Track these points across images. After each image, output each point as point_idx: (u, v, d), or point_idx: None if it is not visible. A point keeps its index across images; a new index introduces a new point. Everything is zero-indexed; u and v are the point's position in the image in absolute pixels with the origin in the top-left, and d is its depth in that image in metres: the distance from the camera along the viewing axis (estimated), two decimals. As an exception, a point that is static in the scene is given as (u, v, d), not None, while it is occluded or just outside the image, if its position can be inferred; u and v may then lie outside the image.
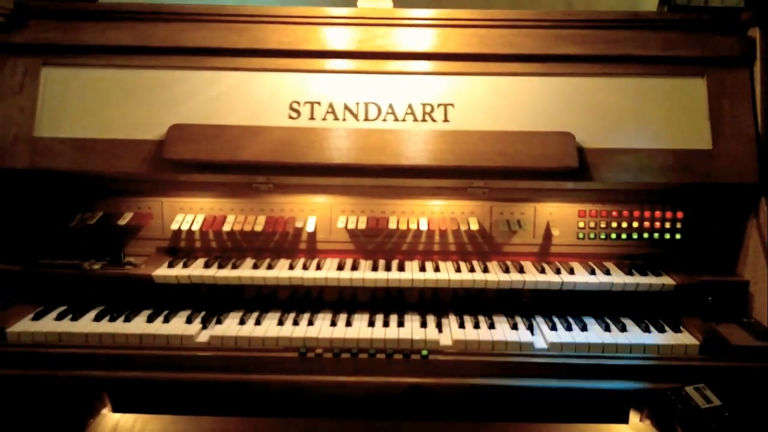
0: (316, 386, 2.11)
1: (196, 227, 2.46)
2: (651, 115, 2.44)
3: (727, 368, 2.09)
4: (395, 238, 2.55)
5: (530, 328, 2.24)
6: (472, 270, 2.38)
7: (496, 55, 2.47)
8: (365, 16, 2.49)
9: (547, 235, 2.53)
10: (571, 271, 2.37)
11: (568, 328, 2.23)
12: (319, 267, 2.38)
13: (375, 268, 2.39)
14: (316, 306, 2.38)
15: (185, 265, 2.37)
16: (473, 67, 2.48)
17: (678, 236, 2.51)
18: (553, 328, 2.24)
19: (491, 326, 2.24)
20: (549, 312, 2.35)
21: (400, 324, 2.25)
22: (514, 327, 2.24)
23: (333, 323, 2.25)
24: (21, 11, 2.45)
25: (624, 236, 2.52)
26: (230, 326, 2.22)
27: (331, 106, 2.46)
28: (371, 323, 2.25)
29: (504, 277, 2.32)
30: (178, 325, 2.22)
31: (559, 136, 2.37)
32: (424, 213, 2.54)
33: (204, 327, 2.22)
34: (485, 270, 2.37)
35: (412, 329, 2.21)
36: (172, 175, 2.42)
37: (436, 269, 2.38)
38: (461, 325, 2.25)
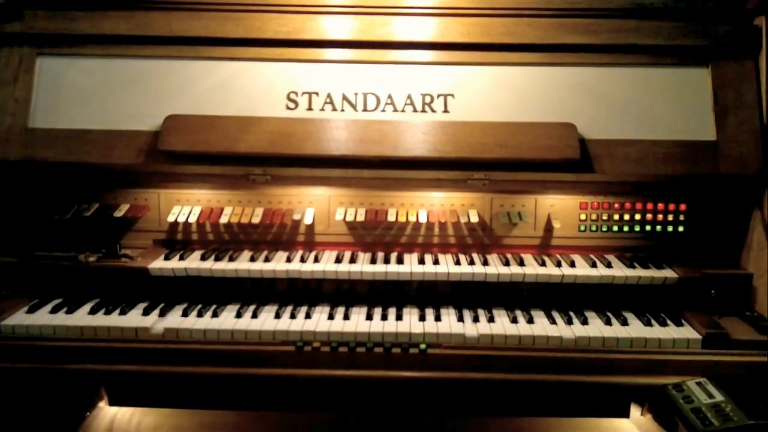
0: (313, 380, 2.09)
1: (193, 219, 2.44)
2: (654, 105, 2.41)
3: (729, 362, 2.07)
4: (394, 230, 2.52)
5: (530, 321, 2.21)
6: (471, 263, 2.35)
7: (497, 44, 2.44)
8: (364, 4, 2.46)
9: (548, 227, 2.50)
10: (572, 264, 2.35)
11: (569, 322, 2.21)
12: (317, 260, 2.36)
13: (374, 261, 2.36)
14: (313, 299, 2.35)
15: (181, 258, 2.35)
16: (474, 56, 2.45)
17: (681, 229, 2.48)
18: (554, 321, 2.22)
19: (491, 320, 2.22)
20: (549, 305, 2.33)
21: (399, 317, 2.22)
22: (514, 320, 2.21)
23: (330, 316, 2.22)
24: (16, 1, 2.42)
25: (626, 228, 2.49)
26: (227, 319, 2.20)
27: (329, 96, 2.43)
28: (369, 317, 2.23)
29: (504, 270, 2.30)
30: (174, 319, 2.20)
31: (561, 127, 2.33)
32: (424, 205, 2.51)
33: (200, 320, 2.20)
34: (485, 263, 2.35)
35: (411, 323, 2.19)
36: (169, 167, 2.39)
37: (436, 262, 2.35)
38: (460, 319, 2.23)
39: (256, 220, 2.44)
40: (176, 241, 2.52)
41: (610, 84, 2.42)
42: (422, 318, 2.23)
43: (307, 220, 2.45)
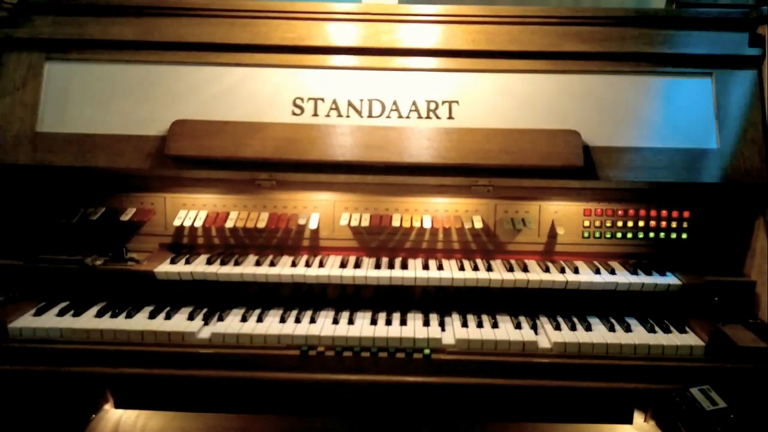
0: (317, 385, 2.10)
1: (198, 223, 2.45)
2: (658, 113, 2.41)
3: (732, 370, 2.07)
4: (399, 235, 2.53)
5: (534, 327, 2.22)
6: (475, 268, 2.36)
7: (502, 52, 2.45)
8: (370, 11, 2.47)
9: (552, 233, 2.51)
10: (576, 271, 2.35)
11: (572, 328, 2.22)
12: (321, 264, 2.37)
13: (378, 266, 2.37)
14: (318, 303, 2.37)
15: (187, 262, 2.36)
16: (479, 64, 2.46)
17: (684, 236, 2.48)
18: (557, 327, 2.22)
19: (495, 325, 2.23)
20: (553, 311, 2.34)
21: (403, 322, 2.23)
22: (518, 326, 2.22)
23: (335, 321, 2.24)
24: (25, 6, 2.45)
25: (630, 235, 2.50)
26: (232, 323, 2.22)
27: (334, 102, 2.44)
28: (374, 321, 2.24)
29: (508, 276, 2.31)
30: (180, 322, 2.22)
31: (565, 134, 2.34)
32: (428, 211, 2.52)
33: (206, 324, 2.22)
34: (489, 269, 2.36)
35: (415, 328, 2.20)
36: (175, 171, 2.41)
37: (440, 267, 2.36)
38: (464, 324, 2.24)
39: (261, 224, 2.45)
40: (182, 245, 2.53)
41: (614, 92, 2.43)
42: (426, 323, 2.24)
43: (312, 225, 2.46)
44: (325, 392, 2.16)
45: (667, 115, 2.41)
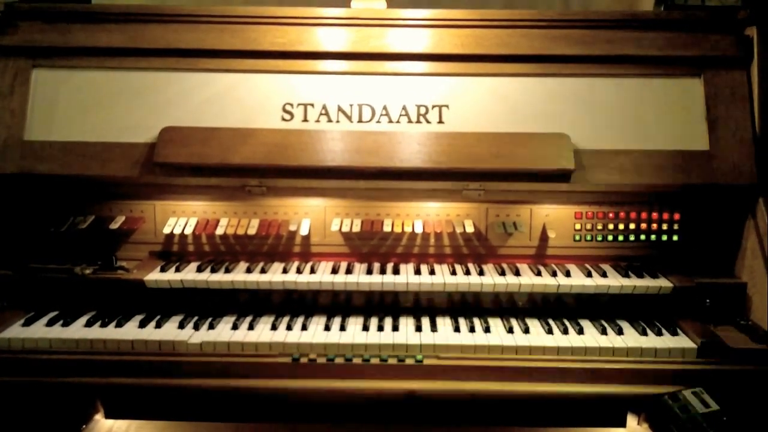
0: (309, 392, 2.09)
1: (188, 231, 2.44)
2: (647, 115, 2.42)
3: (725, 371, 2.07)
4: (390, 240, 2.52)
5: (526, 331, 2.22)
6: (467, 273, 2.35)
7: (491, 55, 2.45)
8: (359, 16, 2.48)
9: (544, 237, 2.51)
10: (567, 274, 2.35)
11: (565, 332, 2.21)
12: (313, 271, 2.36)
13: (370, 272, 2.36)
14: (310, 310, 2.35)
15: (178, 270, 2.34)
16: (468, 67, 2.46)
17: (675, 238, 2.49)
18: (550, 331, 2.22)
19: (487, 330, 2.22)
20: (545, 315, 2.33)
21: (395, 328, 2.22)
22: (510, 331, 2.22)
23: (327, 328, 2.22)
24: (11, 13, 2.44)
25: (621, 238, 2.50)
26: (223, 331, 2.20)
27: (324, 107, 2.44)
28: (366, 327, 2.23)
29: (500, 280, 2.30)
30: (170, 331, 2.20)
31: (555, 137, 2.35)
32: (419, 215, 2.51)
33: (196, 332, 2.20)
34: (481, 273, 2.35)
35: (407, 333, 2.19)
36: (165, 179, 2.39)
37: (432, 272, 2.36)
38: (456, 329, 2.23)
39: (252, 231, 2.44)
40: (172, 252, 2.51)
41: (604, 94, 2.44)
42: (418, 328, 2.23)
43: (303, 231, 2.45)
44: (317, 399, 2.14)
45: (657, 117, 2.42)
